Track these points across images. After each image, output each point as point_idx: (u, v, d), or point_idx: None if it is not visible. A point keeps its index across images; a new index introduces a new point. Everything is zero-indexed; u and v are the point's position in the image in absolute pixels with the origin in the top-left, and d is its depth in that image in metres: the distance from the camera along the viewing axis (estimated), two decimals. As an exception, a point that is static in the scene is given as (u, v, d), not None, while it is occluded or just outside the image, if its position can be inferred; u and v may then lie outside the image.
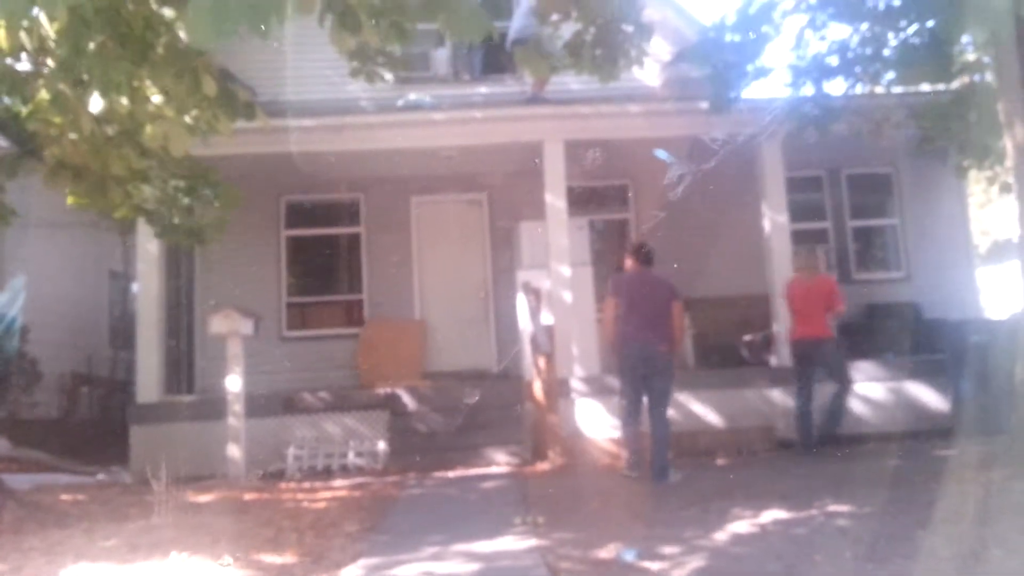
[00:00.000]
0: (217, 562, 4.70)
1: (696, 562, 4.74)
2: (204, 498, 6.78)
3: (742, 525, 5.42)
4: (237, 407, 7.98)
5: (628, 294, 7.46)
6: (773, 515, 5.60)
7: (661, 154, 9.92)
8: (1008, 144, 6.57)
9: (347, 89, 6.22)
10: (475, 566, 4.57)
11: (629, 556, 4.86)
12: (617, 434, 8.73)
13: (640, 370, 7.26)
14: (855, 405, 9.18)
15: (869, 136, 9.39)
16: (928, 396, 9.30)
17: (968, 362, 8.78)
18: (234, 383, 8.05)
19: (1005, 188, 9.20)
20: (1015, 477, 5.77)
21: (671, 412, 7.50)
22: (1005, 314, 13.77)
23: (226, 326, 8.14)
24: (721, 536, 5.21)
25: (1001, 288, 16.90)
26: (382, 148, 9.92)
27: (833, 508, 5.75)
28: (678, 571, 4.67)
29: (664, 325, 7.28)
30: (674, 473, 7.15)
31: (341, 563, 4.64)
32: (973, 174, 10.24)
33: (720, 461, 8.25)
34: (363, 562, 4.63)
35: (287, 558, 4.76)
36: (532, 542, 5.08)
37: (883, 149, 10.81)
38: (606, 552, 4.94)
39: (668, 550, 5.00)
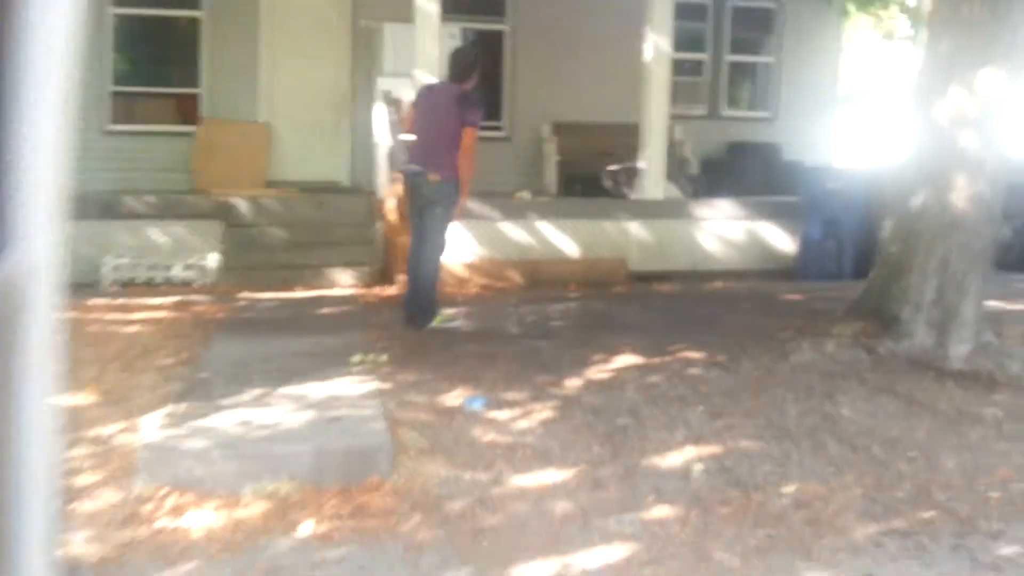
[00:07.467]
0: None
1: (545, 412, 4.48)
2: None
3: (595, 371, 5.19)
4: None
5: (421, 110, 6.31)
6: (626, 360, 5.39)
7: None
8: None
9: None
10: (304, 415, 4.07)
11: (476, 404, 4.53)
12: (472, 259, 8.35)
13: (415, 200, 6.22)
14: (708, 241, 9.10)
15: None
16: (778, 237, 9.30)
17: (819, 207, 8.79)
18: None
19: (888, 35, 8.95)
20: (862, 335, 5.73)
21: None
22: (857, 161, 14.06)
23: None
24: (574, 383, 4.95)
25: (851, 133, 17.24)
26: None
27: (685, 355, 5.59)
28: (526, 421, 4.39)
29: (447, 151, 6.01)
30: (439, 319, 6.30)
31: (145, 407, 4.02)
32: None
33: (573, 293, 7.97)
34: (171, 408, 4.02)
35: (81, 398, 4.09)
36: (373, 385, 4.65)
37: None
38: (452, 399, 4.58)
39: (517, 397, 4.71)
